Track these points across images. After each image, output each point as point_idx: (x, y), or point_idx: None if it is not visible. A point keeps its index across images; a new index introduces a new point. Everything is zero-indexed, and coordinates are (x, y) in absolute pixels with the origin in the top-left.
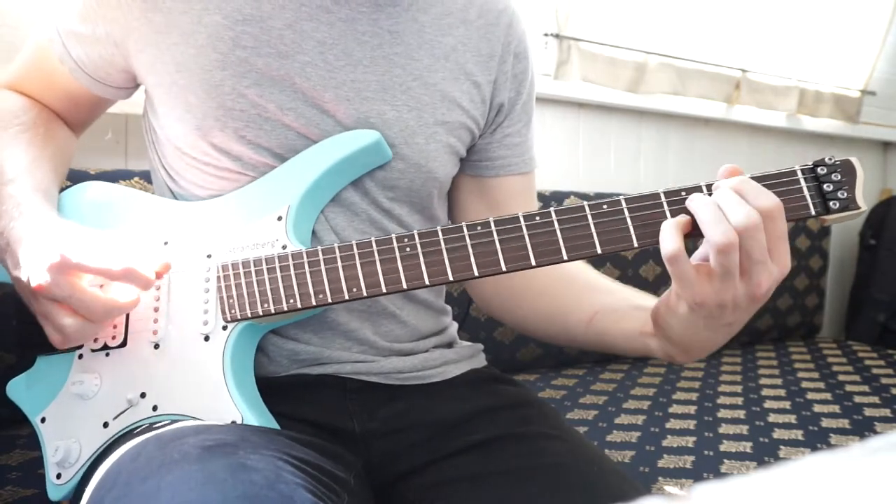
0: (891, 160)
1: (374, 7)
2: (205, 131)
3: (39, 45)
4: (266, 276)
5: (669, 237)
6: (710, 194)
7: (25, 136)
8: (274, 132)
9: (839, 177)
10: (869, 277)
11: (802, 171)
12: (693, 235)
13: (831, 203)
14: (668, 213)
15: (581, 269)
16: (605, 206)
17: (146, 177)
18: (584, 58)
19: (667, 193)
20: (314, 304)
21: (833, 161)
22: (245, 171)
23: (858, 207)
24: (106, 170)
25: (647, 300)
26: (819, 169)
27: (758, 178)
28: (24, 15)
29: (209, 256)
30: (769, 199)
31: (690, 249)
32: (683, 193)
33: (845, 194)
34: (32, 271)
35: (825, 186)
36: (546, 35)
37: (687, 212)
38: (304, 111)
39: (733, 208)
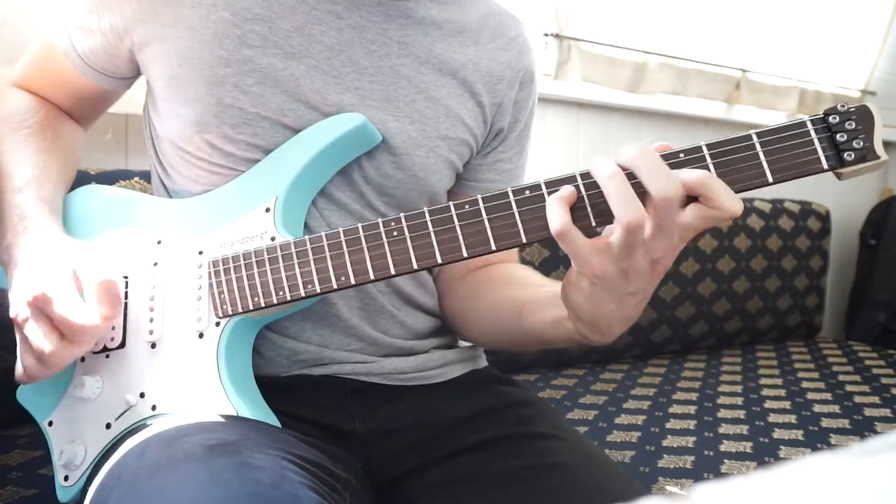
0: (891, 160)
1: (384, 17)
2: (202, 127)
3: (45, 41)
4: (255, 269)
5: (556, 213)
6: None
7: (34, 140)
8: (271, 131)
9: (854, 125)
10: (869, 277)
11: (812, 121)
12: (576, 207)
13: (846, 154)
14: None
15: (509, 268)
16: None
17: (146, 177)
18: (584, 58)
19: (665, 156)
20: (303, 294)
21: (846, 108)
22: (239, 168)
23: (878, 157)
24: (106, 170)
25: None
26: (831, 118)
27: (763, 133)
28: (24, 15)
29: (201, 253)
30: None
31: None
32: (682, 155)
33: (861, 143)
34: (13, 299)
35: (838, 136)
36: (546, 35)
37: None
38: (304, 113)
39: (652, 177)
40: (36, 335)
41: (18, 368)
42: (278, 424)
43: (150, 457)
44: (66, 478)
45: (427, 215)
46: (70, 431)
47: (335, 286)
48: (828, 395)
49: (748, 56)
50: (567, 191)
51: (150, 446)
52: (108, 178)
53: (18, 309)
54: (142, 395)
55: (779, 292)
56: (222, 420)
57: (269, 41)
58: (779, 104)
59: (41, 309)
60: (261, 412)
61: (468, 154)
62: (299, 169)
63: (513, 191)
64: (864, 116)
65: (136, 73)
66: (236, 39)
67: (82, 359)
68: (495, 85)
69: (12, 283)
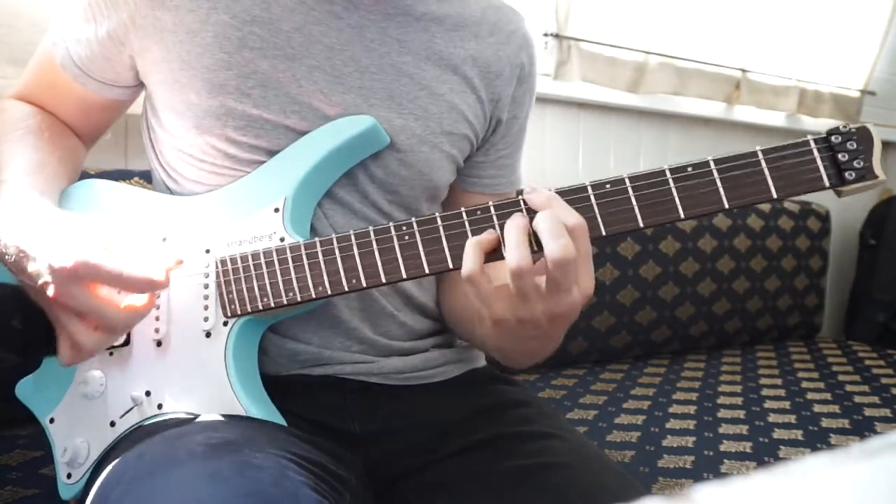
0: (891, 160)
1: (383, 15)
2: (205, 130)
3: (44, 55)
4: (265, 269)
5: (470, 257)
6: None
7: (30, 139)
8: (275, 132)
9: (855, 145)
10: (869, 277)
11: (815, 140)
12: (495, 256)
13: (847, 174)
14: (674, 192)
15: None
16: (608, 186)
17: (146, 177)
18: (584, 58)
19: (672, 170)
20: (314, 296)
21: (848, 128)
22: (243, 169)
23: (876, 177)
24: (106, 170)
25: None
26: (833, 138)
27: (767, 151)
28: (24, 15)
29: (208, 251)
30: (575, 219)
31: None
32: (689, 170)
33: (862, 163)
34: (47, 278)
35: (840, 156)
36: (546, 35)
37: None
38: (307, 114)
39: (547, 238)
40: (100, 308)
41: (72, 349)
42: (284, 423)
43: (152, 456)
44: (69, 475)
45: (439, 220)
46: (73, 429)
47: (346, 288)
48: (827, 395)
49: (748, 56)
50: (489, 236)
51: (152, 445)
52: (108, 178)
53: (55, 284)
54: (147, 394)
55: (778, 292)
56: (223, 419)
57: (269, 43)
58: (779, 104)
59: (88, 274)
60: (268, 412)
61: (469, 149)
62: (308, 169)
63: (524, 199)
64: (864, 137)
65: (140, 81)
66: (236, 42)
67: None
68: (493, 81)
69: (29, 262)
